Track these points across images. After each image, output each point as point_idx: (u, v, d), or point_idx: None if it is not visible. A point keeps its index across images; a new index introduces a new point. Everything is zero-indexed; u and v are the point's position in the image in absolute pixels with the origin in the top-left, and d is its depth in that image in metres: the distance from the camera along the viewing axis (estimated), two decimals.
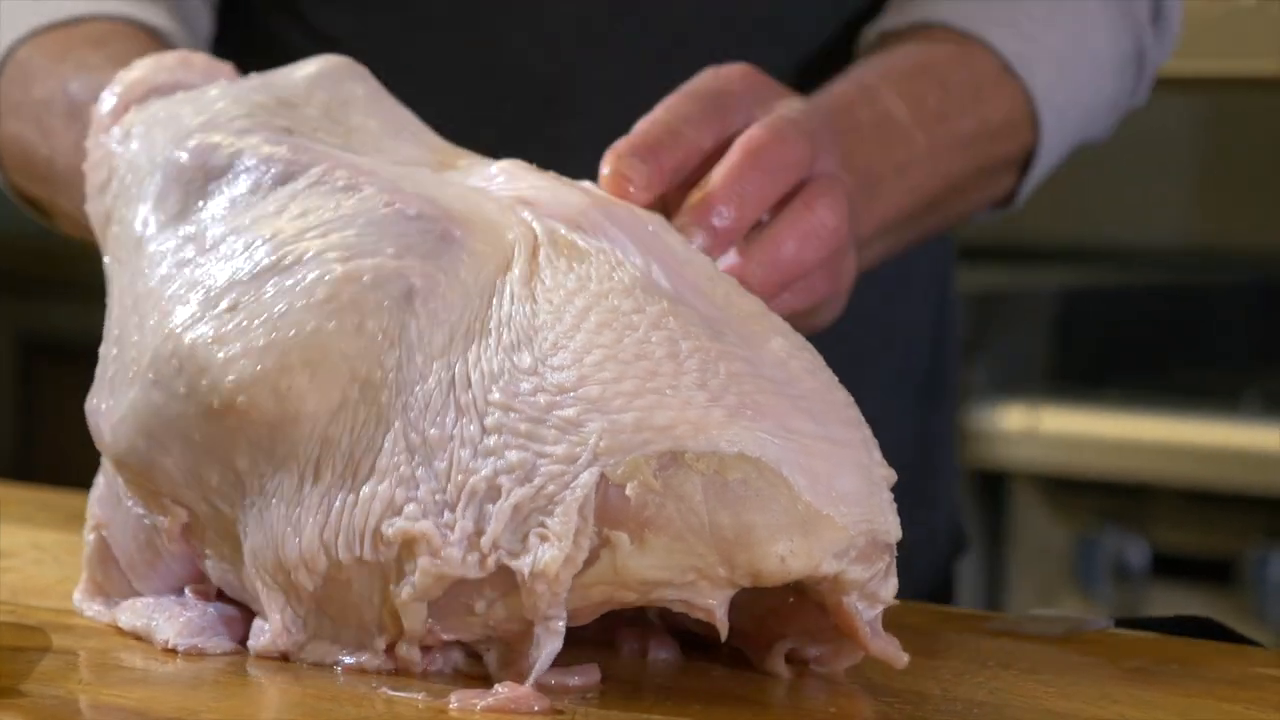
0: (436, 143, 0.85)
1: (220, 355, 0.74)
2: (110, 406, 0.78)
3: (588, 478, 0.70)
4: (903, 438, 1.14)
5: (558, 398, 0.71)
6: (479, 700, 0.70)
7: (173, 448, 0.76)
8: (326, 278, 0.74)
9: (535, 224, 0.75)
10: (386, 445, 0.72)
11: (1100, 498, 1.97)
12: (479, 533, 0.70)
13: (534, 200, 0.77)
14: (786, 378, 0.73)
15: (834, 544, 0.71)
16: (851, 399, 0.75)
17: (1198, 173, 2.43)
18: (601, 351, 0.71)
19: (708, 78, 0.89)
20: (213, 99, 0.83)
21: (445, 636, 0.73)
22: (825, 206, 0.86)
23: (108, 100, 0.86)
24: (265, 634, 0.75)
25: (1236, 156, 2.39)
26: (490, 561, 0.70)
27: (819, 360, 0.76)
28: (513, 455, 0.70)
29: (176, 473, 0.77)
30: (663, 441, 0.70)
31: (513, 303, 0.73)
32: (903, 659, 0.73)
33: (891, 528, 0.73)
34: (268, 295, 0.75)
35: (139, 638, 0.78)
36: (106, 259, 0.83)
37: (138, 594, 0.80)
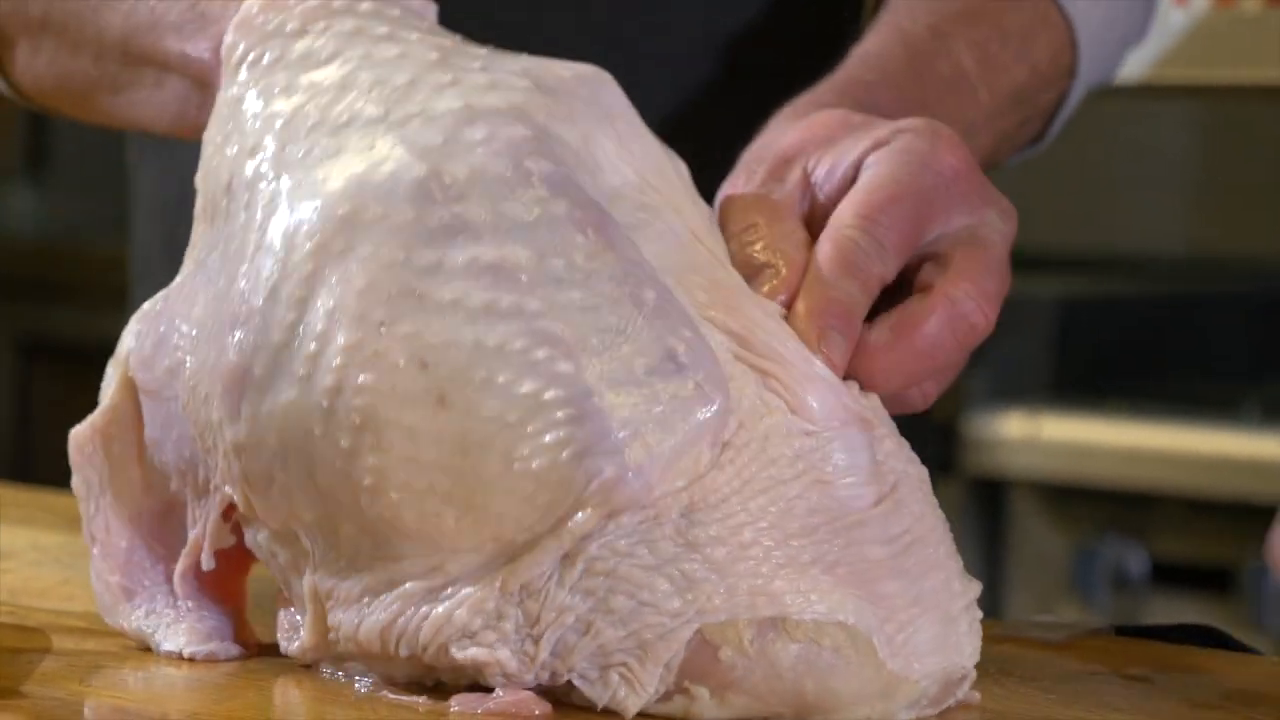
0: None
1: (407, 445, 0.69)
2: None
3: (685, 634, 0.68)
4: None
5: (686, 551, 0.68)
6: (480, 704, 0.70)
7: (289, 460, 0.71)
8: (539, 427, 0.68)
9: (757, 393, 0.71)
10: (482, 582, 0.69)
11: (1100, 506, 1.97)
12: (558, 658, 0.69)
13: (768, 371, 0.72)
14: (891, 538, 0.71)
15: (908, 699, 0.70)
16: (944, 520, 0.73)
17: (1198, 181, 2.43)
18: (746, 516, 0.69)
19: (915, 171, 0.77)
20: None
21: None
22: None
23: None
24: (299, 640, 0.74)
25: (1237, 165, 2.39)
26: (561, 679, 0.69)
27: (918, 482, 0.73)
28: (617, 601, 0.68)
29: (275, 481, 0.72)
30: (770, 608, 0.68)
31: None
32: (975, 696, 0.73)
33: (968, 657, 0.72)
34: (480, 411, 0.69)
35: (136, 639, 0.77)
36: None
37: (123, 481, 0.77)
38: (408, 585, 0.70)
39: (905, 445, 0.73)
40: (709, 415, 0.69)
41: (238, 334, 0.72)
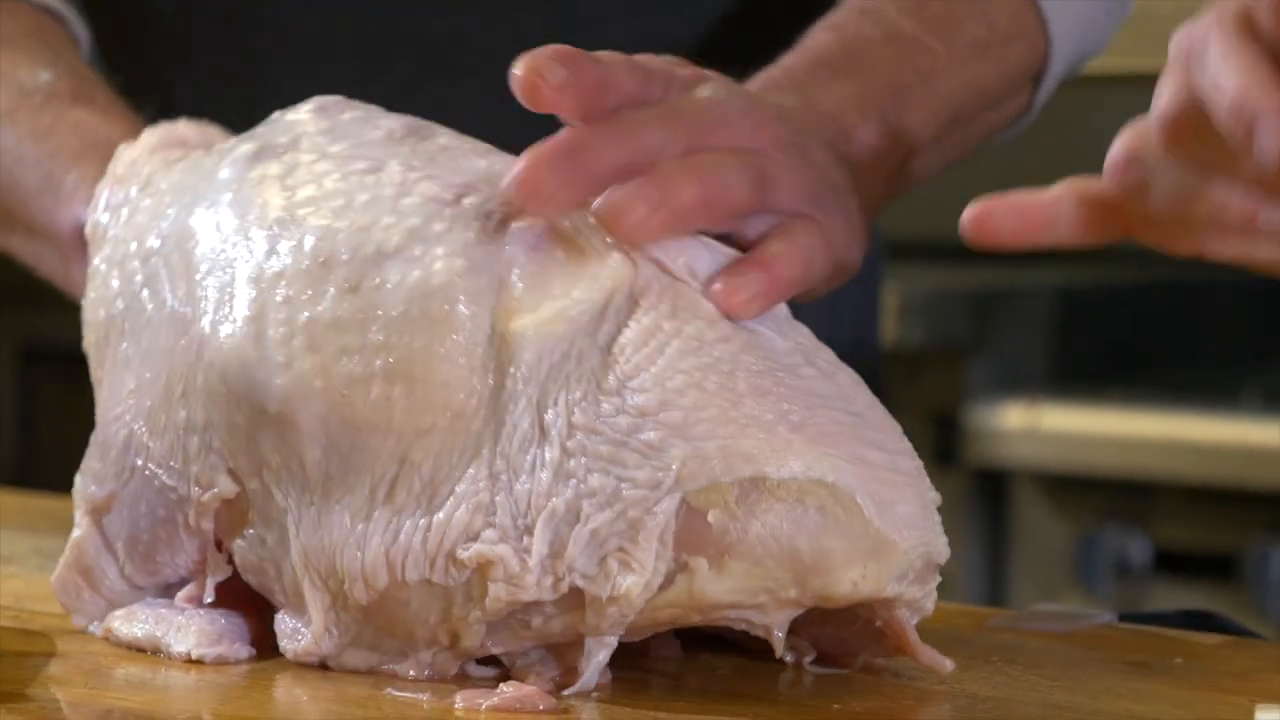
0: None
1: (333, 337, 0.73)
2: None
3: (670, 503, 0.69)
4: None
5: (639, 420, 0.70)
6: (484, 700, 0.70)
7: (243, 406, 0.74)
8: (435, 284, 0.72)
9: (629, 260, 0.74)
10: (470, 472, 0.71)
11: (1101, 495, 1.97)
12: (555, 556, 0.70)
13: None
14: (855, 411, 0.73)
15: (898, 568, 0.71)
16: (900, 429, 0.76)
17: None
18: (684, 378, 0.71)
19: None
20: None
21: (495, 650, 0.73)
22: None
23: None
24: (304, 637, 0.74)
25: None
26: (564, 584, 0.70)
27: (875, 399, 0.76)
28: (595, 480, 0.70)
29: (239, 434, 0.75)
30: (745, 468, 0.70)
31: (600, 329, 0.72)
32: (947, 664, 0.73)
33: (943, 549, 0.74)
34: (387, 285, 0.73)
35: (138, 647, 0.77)
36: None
37: (118, 591, 0.79)
38: (399, 496, 0.71)
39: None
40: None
41: (180, 344, 0.77)
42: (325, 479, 0.73)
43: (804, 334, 0.76)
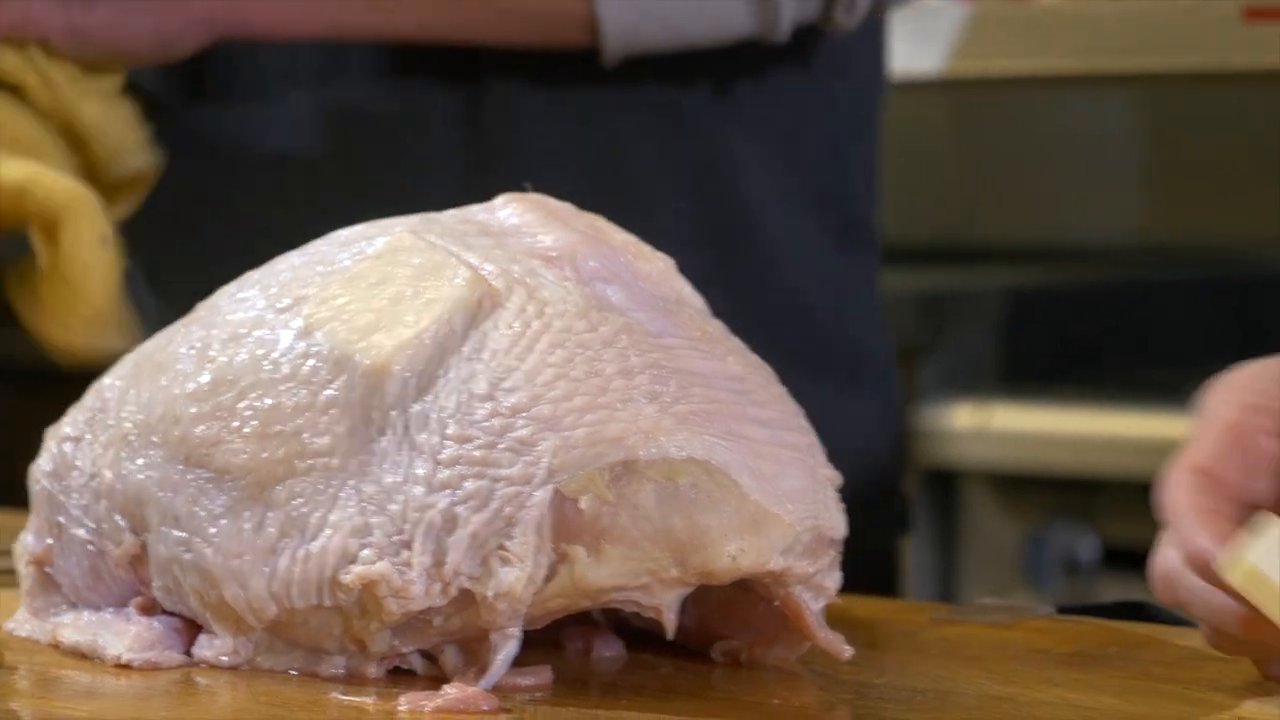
0: None
1: (191, 409, 0.76)
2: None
3: (542, 495, 0.71)
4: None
5: (511, 419, 0.72)
6: (428, 702, 0.71)
7: (127, 471, 0.78)
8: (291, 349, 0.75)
9: (477, 275, 0.75)
10: (339, 501, 0.73)
11: (1050, 493, 1.99)
12: (438, 564, 0.71)
13: (504, 234, 0.78)
14: (740, 389, 0.74)
15: (781, 540, 0.72)
16: (801, 410, 0.77)
17: (1142, 171, 2.45)
18: (553, 371, 0.72)
19: None
20: None
21: (404, 650, 0.74)
22: None
23: None
24: (218, 647, 0.76)
25: (1180, 153, 2.41)
26: (453, 589, 0.72)
27: (772, 377, 0.77)
28: (469, 484, 0.71)
29: (130, 497, 0.78)
30: (614, 453, 0.71)
31: (469, 340, 0.73)
32: (846, 650, 0.75)
33: (836, 523, 0.75)
34: (240, 355, 0.76)
35: (81, 655, 0.78)
36: None
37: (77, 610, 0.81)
38: (268, 535, 0.73)
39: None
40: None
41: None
42: (198, 528, 0.75)
43: (696, 317, 0.77)
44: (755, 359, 0.77)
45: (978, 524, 2.03)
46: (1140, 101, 2.39)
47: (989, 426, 1.98)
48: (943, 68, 1.76)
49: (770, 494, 0.72)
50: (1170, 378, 2.04)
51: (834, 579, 0.75)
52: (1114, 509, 1.96)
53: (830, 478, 0.75)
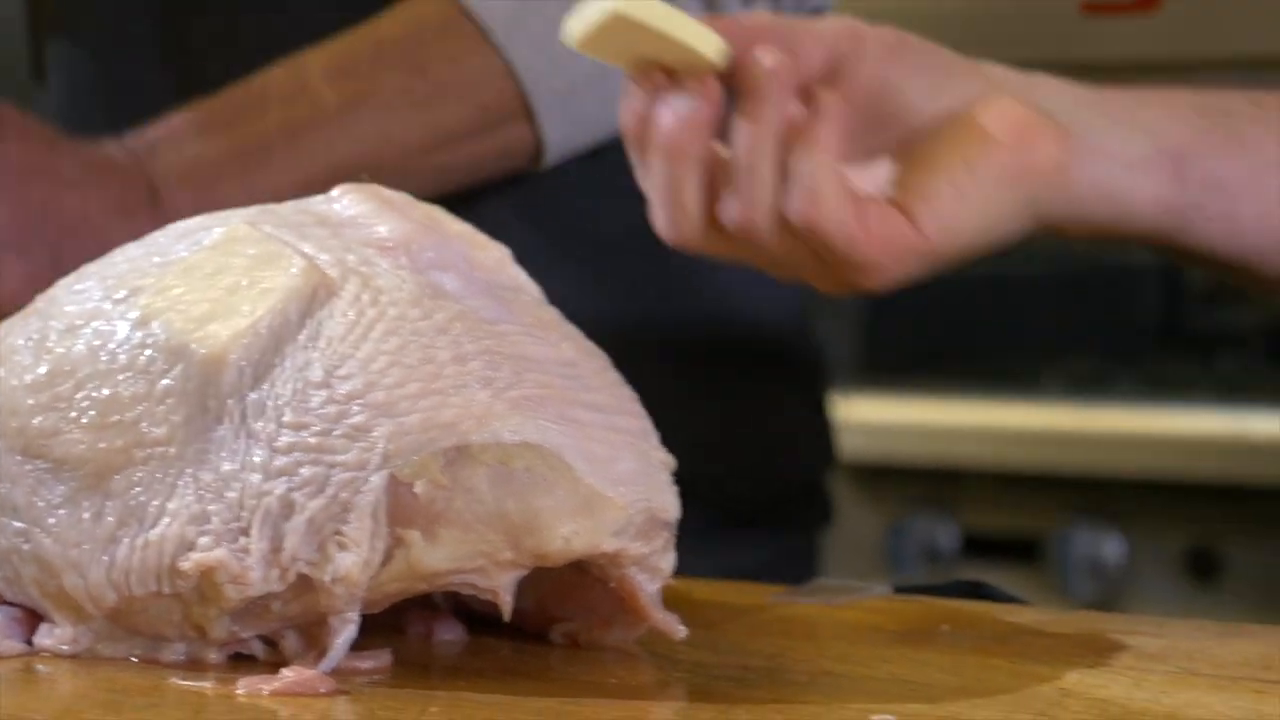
0: None
1: (29, 400, 0.76)
2: None
3: (378, 481, 0.72)
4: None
5: (346, 406, 0.72)
6: (266, 685, 0.71)
7: None
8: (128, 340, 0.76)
9: (312, 265, 0.76)
10: (177, 490, 0.74)
11: (911, 483, 2.01)
12: (276, 550, 0.72)
13: (340, 225, 0.79)
14: (573, 375, 0.76)
15: (614, 523, 0.73)
16: (635, 395, 0.78)
17: None
18: (387, 358, 0.73)
19: None
20: None
21: (244, 635, 0.75)
22: None
23: None
24: (58, 635, 0.76)
25: None
26: (291, 574, 0.72)
27: (607, 363, 0.78)
28: (306, 471, 0.72)
29: None
30: (448, 438, 0.72)
31: (305, 328, 0.74)
32: (680, 631, 0.76)
33: (669, 506, 0.76)
34: (77, 345, 0.76)
35: None
36: None
37: None
38: (107, 525, 0.74)
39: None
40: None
41: None
42: (36, 518, 0.75)
43: (532, 305, 0.78)
44: (590, 345, 0.78)
45: (841, 514, 2.05)
46: None
47: (849, 419, 2.01)
48: None
49: (603, 477, 0.73)
50: (1024, 368, 2.07)
51: (668, 560, 0.76)
52: (973, 498, 1.99)
53: (664, 461, 0.76)
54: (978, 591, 0.88)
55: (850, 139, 0.82)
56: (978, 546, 1.99)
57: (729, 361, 1.21)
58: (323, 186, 0.95)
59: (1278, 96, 0.90)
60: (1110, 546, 1.91)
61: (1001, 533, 1.98)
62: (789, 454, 1.26)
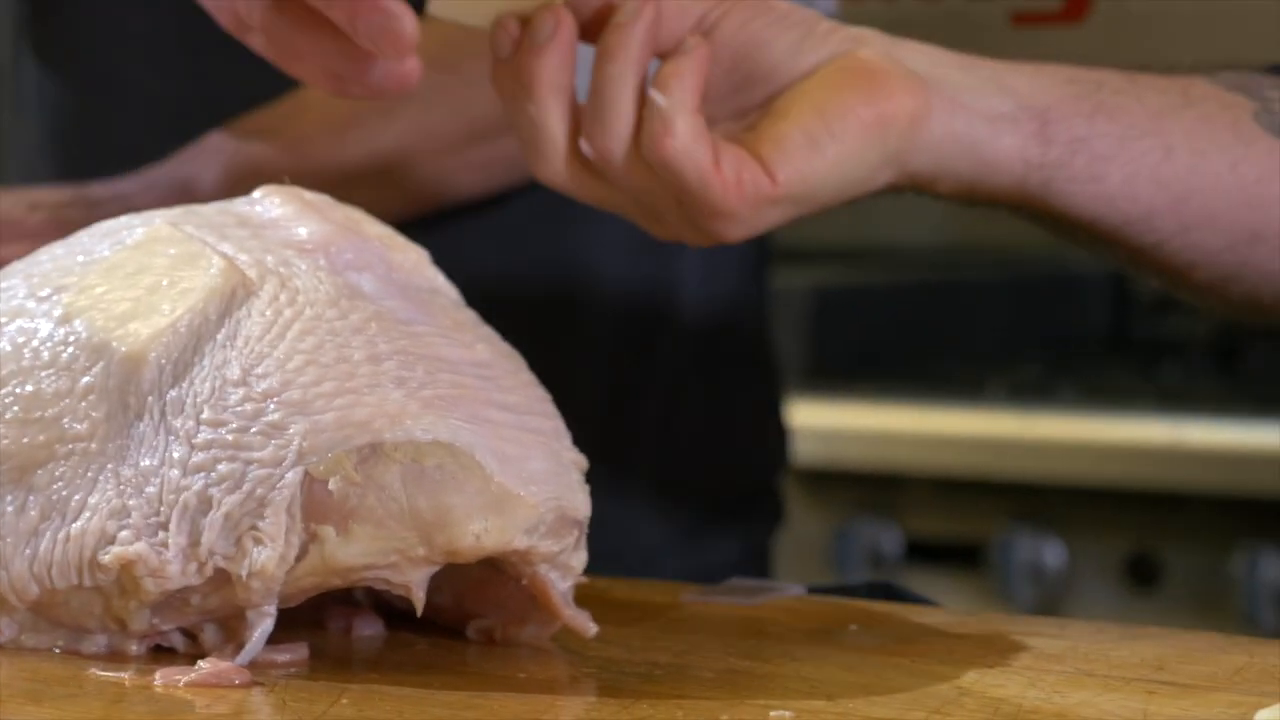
0: None
1: None
2: None
3: (293, 477, 0.73)
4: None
5: (263, 404, 0.74)
6: (182, 676, 0.73)
7: None
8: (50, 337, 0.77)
9: (230, 264, 0.77)
10: (99, 485, 0.75)
11: (854, 488, 2.03)
12: (194, 544, 0.74)
13: (261, 226, 0.80)
14: (486, 375, 0.77)
15: (525, 521, 0.75)
16: (549, 396, 0.80)
17: None
18: (303, 357, 0.75)
19: None
20: None
21: (164, 628, 0.77)
22: None
23: None
24: None
25: None
26: (208, 568, 0.74)
27: (521, 364, 0.80)
28: (223, 467, 0.74)
29: None
30: (361, 436, 0.74)
31: (224, 327, 0.76)
32: (591, 628, 0.78)
33: (580, 505, 0.77)
34: (4, 349, 0.78)
35: None
36: None
37: None
38: (30, 518, 0.75)
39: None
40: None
41: None
42: None
43: (449, 307, 0.80)
44: (505, 347, 0.80)
45: (786, 519, 2.07)
46: None
47: (794, 423, 2.02)
48: None
49: (514, 475, 0.75)
50: (969, 375, 2.09)
51: (579, 559, 0.77)
52: (915, 503, 2.01)
53: (575, 461, 0.78)
54: (890, 593, 0.90)
55: (716, 96, 0.84)
56: (921, 551, 2.01)
57: (686, 359, 1.23)
58: (363, 179, 0.98)
59: (1152, 75, 0.91)
60: (1051, 552, 1.93)
61: (945, 538, 2.00)
62: (745, 454, 1.28)
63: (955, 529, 1.99)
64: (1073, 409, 1.97)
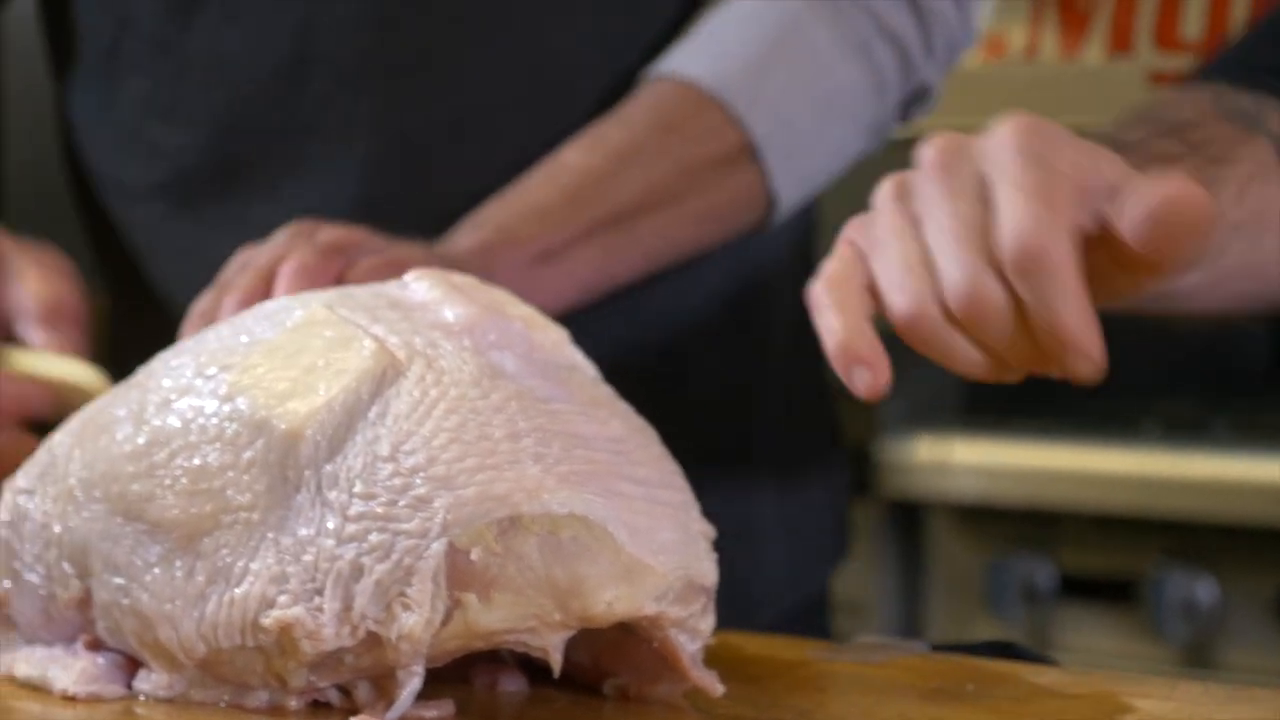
0: None
1: (128, 467, 0.84)
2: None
3: (438, 547, 0.78)
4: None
5: (410, 479, 0.79)
6: None
7: (73, 524, 0.86)
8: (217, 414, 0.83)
9: (382, 346, 0.83)
10: (259, 552, 0.81)
11: (1010, 524, 2.06)
12: (347, 609, 0.79)
13: (411, 308, 0.86)
14: (619, 450, 0.82)
15: (654, 589, 0.80)
16: (679, 469, 0.85)
17: None
18: (447, 435, 0.80)
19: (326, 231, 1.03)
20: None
21: (321, 685, 0.82)
22: None
23: None
24: (155, 681, 0.84)
25: None
26: (360, 631, 0.79)
27: (654, 438, 0.85)
28: (373, 537, 0.79)
29: (77, 547, 0.86)
30: (501, 509, 0.79)
31: (375, 406, 0.81)
32: (718, 689, 0.82)
33: (707, 573, 0.82)
34: (170, 421, 0.84)
35: (34, 687, 0.86)
36: None
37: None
38: (197, 582, 0.81)
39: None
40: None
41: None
42: (135, 575, 0.83)
43: (586, 384, 0.85)
44: (640, 422, 0.85)
45: (941, 554, 2.11)
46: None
47: (950, 459, 2.06)
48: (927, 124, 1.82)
49: (644, 546, 0.80)
50: (1125, 413, 2.11)
51: (707, 622, 0.82)
52: (1071, 539, 2.03)
53: (703, 531, 0.83)
54: (1011, 652, 0.93)
55: None
56: (1075, 587, 2.03)
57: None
58: (603, 230, 1.05)
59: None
60: (1204, 590, 1.94)
61: (1099, 574, 2.02)
62: (805, 496, 1.33)
63: (1109, 565, 2.01)
64: (1227, 447, 1.98)
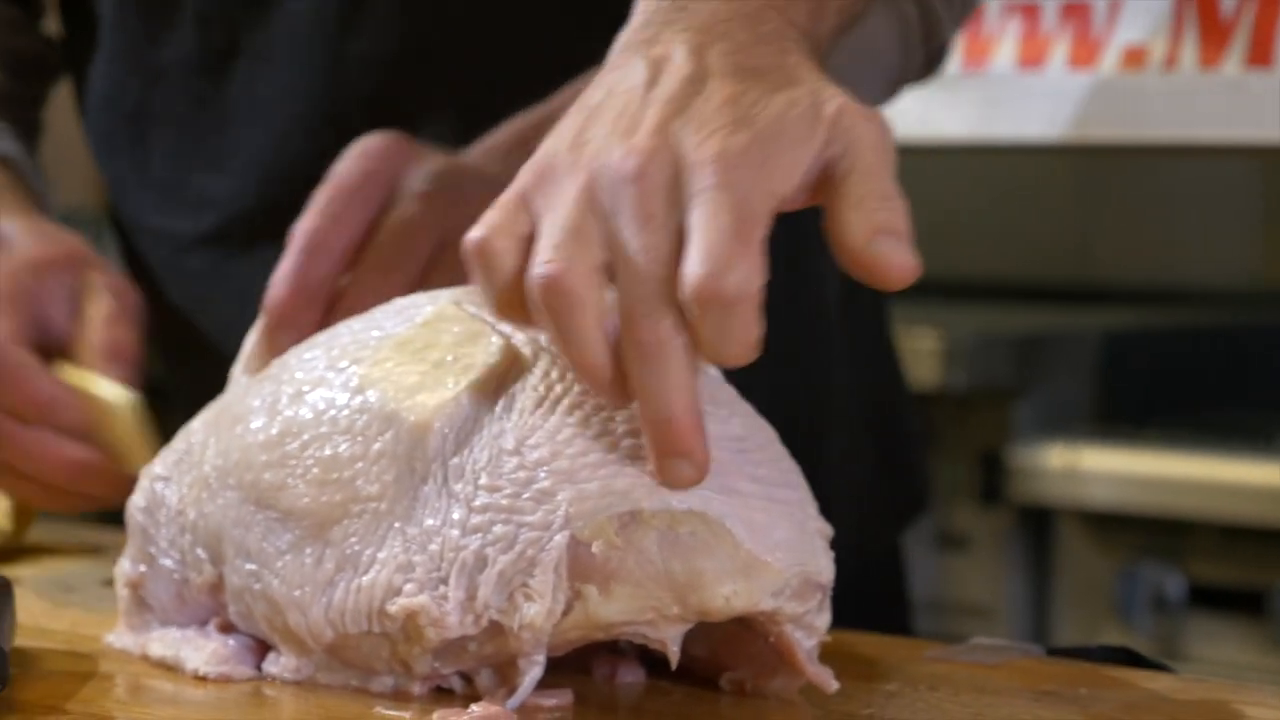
0: None
1: (261, 456, 0.87)
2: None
3: (560, 540, 0.80)
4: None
5: (534, 472, 0.81)
6: (457, 718, 0.81)
7: (207, 510, 0.89)
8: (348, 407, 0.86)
9: (507, 343, 0.85)
10: (388, 542, 0.83)
11: (1140, 532, 2.05)
12: (471, 598, 0.81)
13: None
14: (740, 449, 0.84)
15: (771, 584, 0.81)
16: (797, 468, 0.86)
17: (1254, 215, 2.51)
18: (571, 430, 0.82)
19: (351, 161, 1.02)
20: None
21: (444, 671, 0.84)
22: None
23: None
24: (283, 663, 0.87)
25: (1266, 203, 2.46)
26: (484, 620, 0.81)
27: (773, 437, 0.86)
28: (498, 529, 0.81)
29: (211, 533, 0.89)
30: (622, 504, 0.80)
31: (500, 401, 0.83)
32: (832, 685, 0.83)
33: (824, 570, 0.83)
34: (302, 413, 0.87)
35: (168, 667, 0.89)
36: None
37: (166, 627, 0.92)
38: (326, 569, 0.84)
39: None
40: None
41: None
42: (266, 561, 0.86)
43: (709, 384, 0.85)
44: (760, 422, 0.86)
45: (1070, 561, 2.11)
46: (1250, 157, 2.44)
47: (1081, 466, 2.06)
48: (1065, 134, 1.82)
49: (761, 543, 0.81)
50: (1259, 423, 2.10)
51: (823, 619, 0.84)
52: (1201, 549, 2.03)
53: (820, 529, 0.84)
54: (1129, 658, 0.94)
55: None
56: (1205, 597, 2.02)
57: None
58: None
59: None
60: None
61: (1228, 584, 2.02)
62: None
63: (1239, 576, 2.01)
64: None
